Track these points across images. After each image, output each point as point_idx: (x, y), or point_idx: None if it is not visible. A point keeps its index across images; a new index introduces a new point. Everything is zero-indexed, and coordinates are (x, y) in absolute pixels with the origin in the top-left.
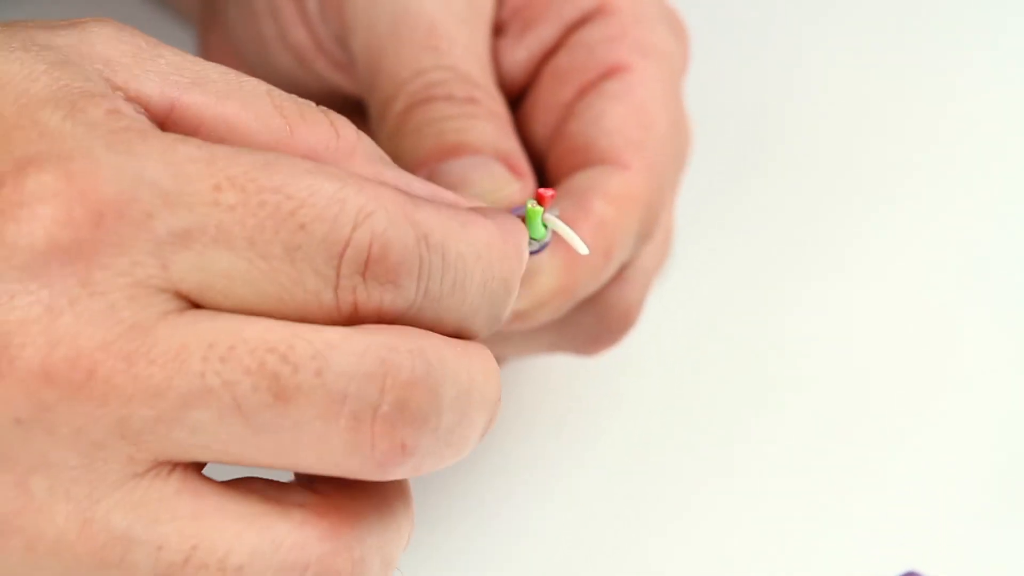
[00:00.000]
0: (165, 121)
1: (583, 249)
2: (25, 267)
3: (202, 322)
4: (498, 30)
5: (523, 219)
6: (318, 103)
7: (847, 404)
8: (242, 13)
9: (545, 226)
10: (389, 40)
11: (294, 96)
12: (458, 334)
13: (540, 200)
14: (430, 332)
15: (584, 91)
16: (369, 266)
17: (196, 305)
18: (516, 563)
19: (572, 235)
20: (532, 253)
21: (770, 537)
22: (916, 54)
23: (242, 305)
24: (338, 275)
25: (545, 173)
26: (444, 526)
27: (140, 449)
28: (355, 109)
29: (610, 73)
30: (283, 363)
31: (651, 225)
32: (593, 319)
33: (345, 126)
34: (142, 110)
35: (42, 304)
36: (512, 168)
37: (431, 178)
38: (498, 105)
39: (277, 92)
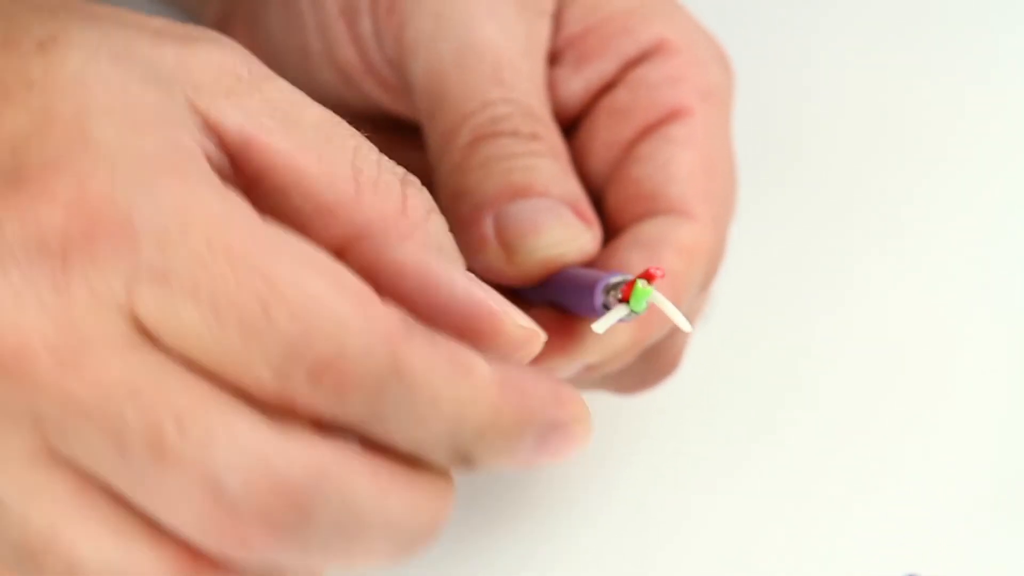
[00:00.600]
0: (236, 156)
1: (688, 327)
2: (10, 255)
3: (140, 361)
4: (552, 59)
5: (628, 288)
6: (360, 121)
7: (849, 409)
8: (286, 24)
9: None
10: (454, 69)
11: (383, 159)
12: (411, 458)
13: (650, 279)
14: (357, 455)
15: (646, 132)
16: (321, 375)
17: (148, 332)
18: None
19: (678, 315)
20: (623, 321)
21: (772, 538)
22: (929, 54)
23: (188, 355)
24: (287, 372)
25: (602, 211)
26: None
27: (40, 437)
28: (397, 127)
29: (673, 116)
30: (180, 434)
31: (713, 275)
32: (642, 363)
33: (417, 204)
34: (214, 138)
35: (12, 289)
36: (580, 214)
37: (499, 219)
38: (558, 141)
39: (364, 151)
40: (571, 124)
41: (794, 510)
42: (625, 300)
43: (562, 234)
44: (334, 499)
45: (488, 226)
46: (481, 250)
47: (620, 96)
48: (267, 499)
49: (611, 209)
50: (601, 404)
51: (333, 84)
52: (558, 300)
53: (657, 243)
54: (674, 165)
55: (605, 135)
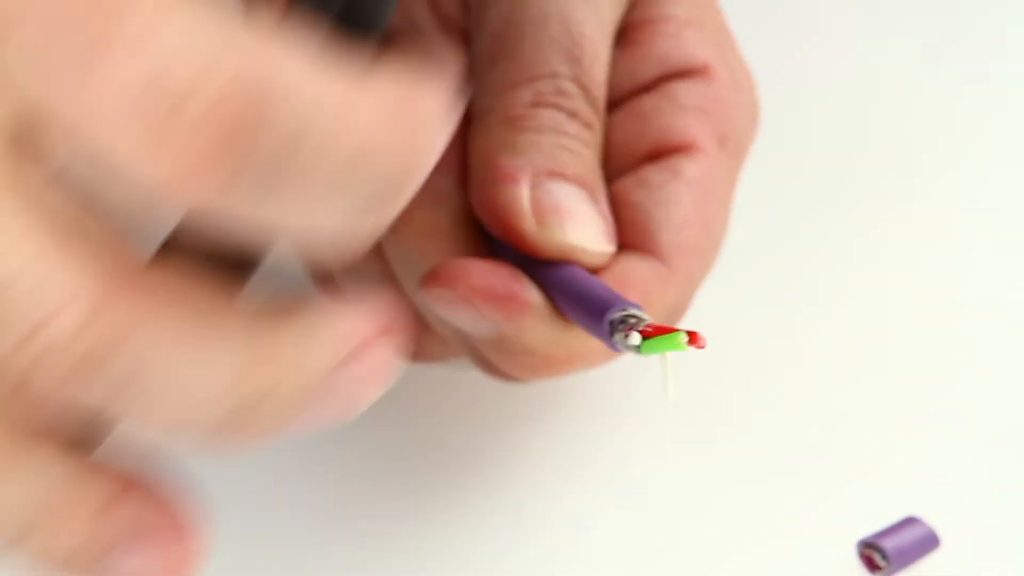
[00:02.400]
0: None
1: (671, 399)
2: None
3: None
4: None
5: (658, 330)
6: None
7: (856, 350)
8: None
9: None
10: (533, 29)
11: None
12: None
13: (693, 340)
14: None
15: (655, 155)
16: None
17: None
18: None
19: (669, 381)
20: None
21: (772, 480)
22: (912, 47)
23: None
24: None
25: None
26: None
27: None
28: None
29: (686, 149)
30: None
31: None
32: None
33: None
34: None
35: None
36: (610, 233)
37: (539, 189)
38: (602, 137)
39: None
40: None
41: (795, 452)
42: (646, 335)
43: (592, 235)
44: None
45: (524, 189)
46: (511, 209)
47: (648, 102)
48: (220, 98)
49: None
50: (579, 386)
51: None
52: (559, 293)
53: (623, 281)
54: (673, 208)
55: (620, 136)
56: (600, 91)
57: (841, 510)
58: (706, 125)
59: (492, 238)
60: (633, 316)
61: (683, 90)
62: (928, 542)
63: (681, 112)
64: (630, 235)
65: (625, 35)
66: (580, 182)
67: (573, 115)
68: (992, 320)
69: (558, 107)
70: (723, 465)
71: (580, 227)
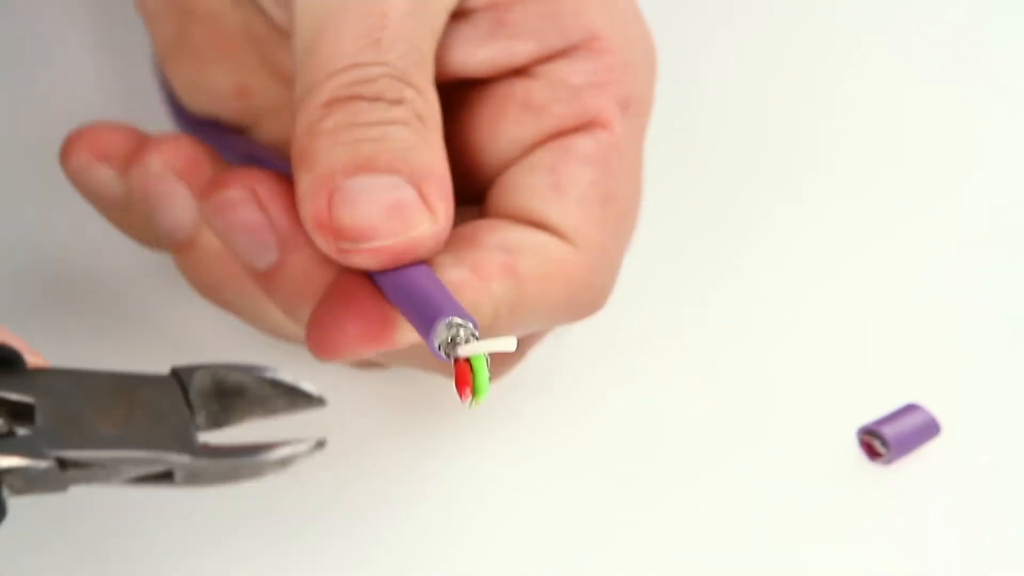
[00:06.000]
0: None
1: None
2: None
3: None
4: (462, 14)
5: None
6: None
7: (854, 235)
8: None
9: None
10: (334, 19)
11: None
12: None
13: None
14: None
15: (556, 136)
16: None
17: None
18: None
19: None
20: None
21: (772, 369)
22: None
23: None
24: None
25: (482, 189)
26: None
27: None
28: None
29: (587, 127)
30: None
31: (588, 301)
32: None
33: None
34: None
35: None
36: (425, 197)
37: (334, 195)
38: (427, 106)
39: None
40: (462, 82)
41: (797, 342)
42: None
43: (398, 224)
44: None
45: (323, 204)
46: (314, 231)
47: (537, 92)
48: None
49: (493, 199)
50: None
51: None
52: (394, 302)
53: (516, 253)
54: (570, 187)
55: (513, 130)
56: (410, 62)
57: (841, 397)
58: (604, 98)
59: None
60: (460, 325)
61: (572, 70)
62: (929, 429)
63: (576, 93)
64: (528, 216)
65: (493, 10)
66: (383, 168)
67: (376, 99)
68: (996, 211)
69: (356, 98)
70: (723, 352)
71: (385, 227)
